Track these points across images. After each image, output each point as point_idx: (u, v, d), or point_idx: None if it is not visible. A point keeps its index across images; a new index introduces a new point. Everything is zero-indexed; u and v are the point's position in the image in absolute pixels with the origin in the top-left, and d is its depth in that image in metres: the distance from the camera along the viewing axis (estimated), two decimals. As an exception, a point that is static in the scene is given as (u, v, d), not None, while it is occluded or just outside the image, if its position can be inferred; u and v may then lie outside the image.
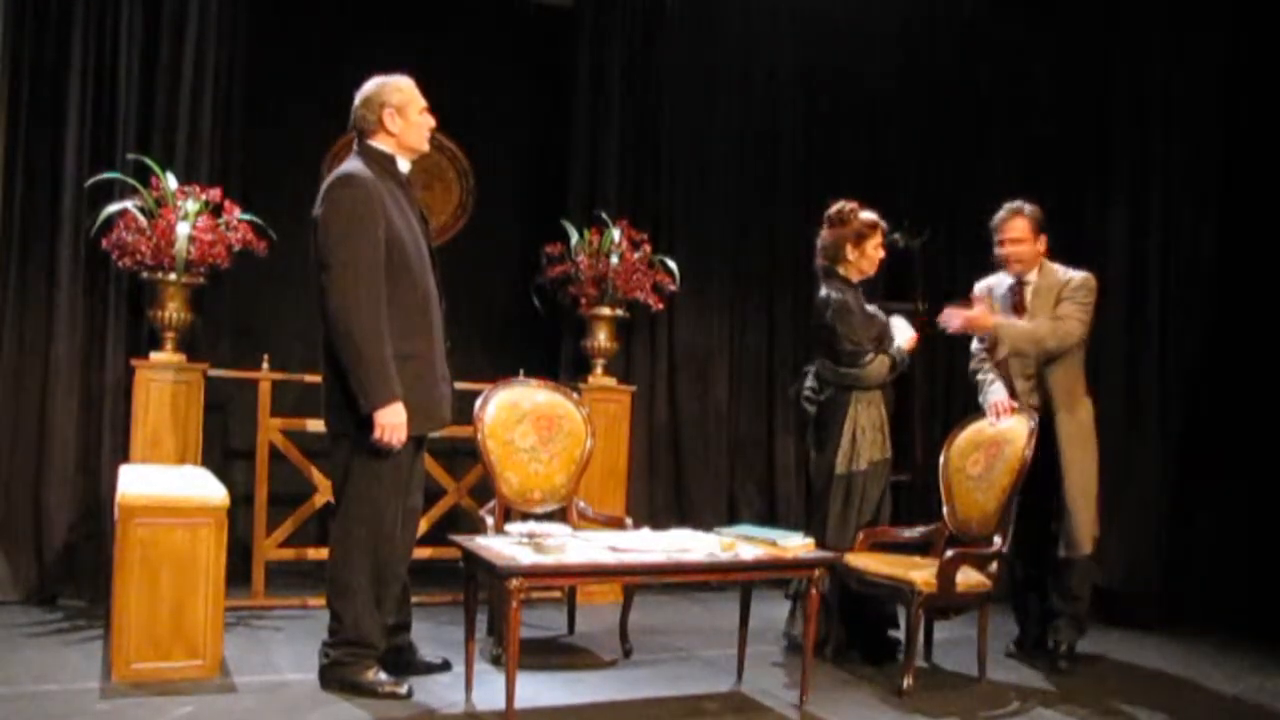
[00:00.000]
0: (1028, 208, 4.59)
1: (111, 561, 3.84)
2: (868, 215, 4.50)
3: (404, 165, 3.81)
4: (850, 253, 4.46)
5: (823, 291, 4.46)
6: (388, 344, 3.55)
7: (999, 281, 4.70)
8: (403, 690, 3.64)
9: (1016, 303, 4.59)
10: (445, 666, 3.93)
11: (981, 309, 4.59)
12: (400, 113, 3.73)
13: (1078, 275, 4.56)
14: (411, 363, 3.65)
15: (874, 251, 4.49)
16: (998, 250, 4.61)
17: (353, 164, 3.70)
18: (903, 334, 4.49)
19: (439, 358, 3.80)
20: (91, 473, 4.73)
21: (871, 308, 4.51)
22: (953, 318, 4.57)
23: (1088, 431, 4.50)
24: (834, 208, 4.52)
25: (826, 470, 4.40)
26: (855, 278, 4.49)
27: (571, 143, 5.70)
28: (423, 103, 3.80)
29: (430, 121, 3.82)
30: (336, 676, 3.68)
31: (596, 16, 5.71)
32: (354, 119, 3.77)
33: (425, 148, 3.87)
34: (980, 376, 4.65)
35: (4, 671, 3.69)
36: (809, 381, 4.57)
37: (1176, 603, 5.27)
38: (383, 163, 3.73)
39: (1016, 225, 4.56)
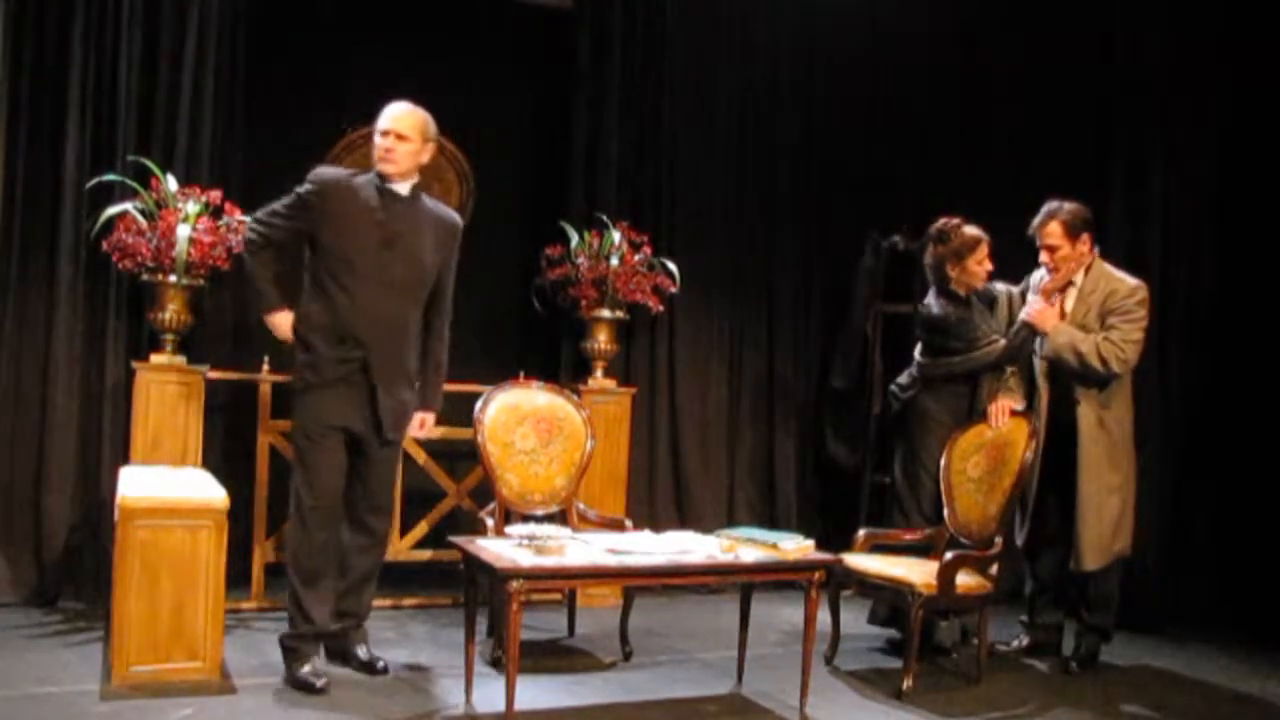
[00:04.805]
0: (1065, 208, 4.32)
1: (111, 563, 3.85)
2: (970, 231, 4.52)
3: (397, 185, 3.81)
4: (952, 270, 4.53)
5: (926, 305, 4.60)
6: (275, 283, 3.84)
7: (1042, 277, 4.49)
8: (318, 684, 3.66)
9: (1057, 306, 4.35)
10: (383, 671, 3.90)
11: (1053, 309, 4.33)
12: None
13: (1126, 284, 4.31)
14: (341, 366, 3.77)
15: (976, 267, 4.52)
16: (1040, 257, 4.41)
17: (349, 169, 3.86)
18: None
19: (378, 370, 3.78)
20: (91, 475, 4.72)
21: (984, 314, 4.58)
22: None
23: (1113, 435, 4.30)
24: (935, 225, 4.57)
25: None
26: (963, 291, 4.56)
27: (571, 144, 5.69)
28: (380, 125, 3.80)
29: (381, 143, 3.79)
30: (285, 667, 3.77)
31: (596, 17, 5.70)
32: None
33: (379, 167, 3.80)
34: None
35: (3, 674, 3.68)
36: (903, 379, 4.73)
37: (1177, 603, 5.26)
38: (373, 174, 3.84)
39: (1049, 230, 4.33)
